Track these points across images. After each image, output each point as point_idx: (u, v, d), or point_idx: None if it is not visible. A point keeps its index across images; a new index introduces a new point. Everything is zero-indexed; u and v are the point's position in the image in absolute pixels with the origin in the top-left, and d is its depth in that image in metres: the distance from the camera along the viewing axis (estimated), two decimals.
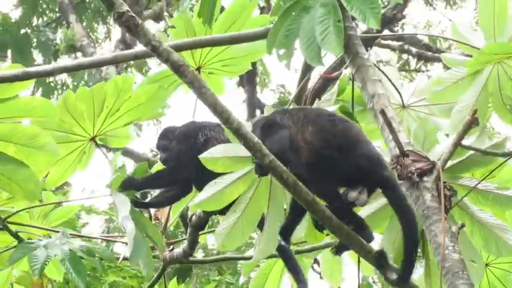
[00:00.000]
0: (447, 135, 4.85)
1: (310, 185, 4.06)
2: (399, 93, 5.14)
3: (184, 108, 5.72)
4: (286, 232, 4.42)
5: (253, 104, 16.76)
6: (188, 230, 5.37)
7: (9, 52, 18.86)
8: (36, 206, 5.42)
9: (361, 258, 4.60)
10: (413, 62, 19.89)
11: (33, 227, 5.44)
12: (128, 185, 4.95)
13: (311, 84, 7.80)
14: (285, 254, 5.16)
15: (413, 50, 17.46)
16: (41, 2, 19.75)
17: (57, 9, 19.90)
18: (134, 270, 10.15)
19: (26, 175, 4.83)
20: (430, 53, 17.32)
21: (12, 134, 4.82)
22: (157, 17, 19.04)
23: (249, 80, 16.61)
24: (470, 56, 4.72)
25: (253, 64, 5.87)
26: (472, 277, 4.32)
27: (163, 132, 5.24)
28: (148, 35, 4.01)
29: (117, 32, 19.85)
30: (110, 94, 5.09)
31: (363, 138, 4.16)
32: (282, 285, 5.76)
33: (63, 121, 5.13)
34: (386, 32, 15.55)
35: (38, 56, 19.42)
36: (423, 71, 19.36)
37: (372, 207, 4.58)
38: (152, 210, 5.65)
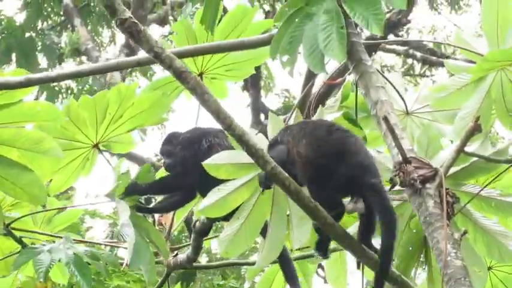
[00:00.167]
0: (452, 141, 4.86)
1: (311, 194, 4.09)
2: (403, 99, 5.15)
3: (188, 113, 5.73)
4: (321, 247, 4.43)
5: (258, 108, 16.75)
6: (192, 236, 5.37)
7: (13, 56, 18.88)
8: (39, 212, 5.44)
9: None
10: (418, 66, 19.90)
11: (36, 232, 5.46)
12: (131, 191, 4.96)
13: (315, 90, 7.80)
14: (283, 261, 5.16)
15: (418, 54, 17.47)
16: (45, 5, 19.78)
17: (61, 13, 19.93)
18: (138, 274, 10.16)
19: (30, 179, 4.84)
20: (434, 58, 17.32)
21: (16, 138, 4.84)
22: (162, 21, 19.06)
23: (254, 84, 16.61)
24: (474, 62, 4.72)
25: (258, 68, 5.88)
26: (475, 284, 4.32)
27: (168, 137, 5.24)
28: (151, 41, 4.02)
29: (121, 36, 19.87)
30: (112, 101, 5.10)
31: (355, 148, 4.17)
32: None
33: (66, 129, 5.15)
34: (391, 36, 15.54)
35: (42, 60, 19.47)
36: (428, 76, 19.37)
37: None
38: (156, 216, 5.66)
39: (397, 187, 4.11)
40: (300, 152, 4.21)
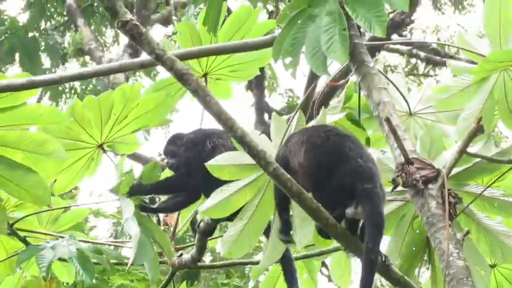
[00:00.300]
0: (456, 142, 4.87)
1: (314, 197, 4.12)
2: (406, 100, 5.15)
3: (192, 113, 5.73)
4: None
5: (262, 108, 16.74)
6: (196, 236, 5.39)
7: (17, 56, 18.88)
8: (44, 211, 5.46)
9: None
10: (421, 66, 19.88)
11: (40, 233, 5.49)
12: (136, 191, 4.98)
13: (318, 91, 7.80)
14: (285, 261, 5.17)
15: (422, 54, 17.44)
16: (48, 5, 19.77)
17: (65, 13, 19.90)
18: (142, 273, 10.17)
19: (34, 181, 4.86)
20: (438, 58, 17.30)
21: (20, 141, 4.85)
22: (166, 21, 19.05)
23: (258, 84, 16.60)
24: (477, 63, 4.73)
25: (262, 68, 5.87)
26: (478, 284, 4.35)
27: (172, 138, 5.26)
28: (152, 43, 4.03)
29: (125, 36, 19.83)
30: (117, 102, 5.12)
31: (350, 154, 4.18)
32: None
33: (71, 129, 5.16)
34: (395, 36, 15.53)
35: (46, 60, 19.41)
36: (431, 76, 19.36)
37: None
38: (161, 216, 5.68)
39: (400, 188, 4.12)
40: (299, 161, 4.25)
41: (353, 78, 4.58)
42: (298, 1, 4.51)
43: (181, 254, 5.62)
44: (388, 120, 4.04)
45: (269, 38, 4.95)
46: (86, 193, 16.20)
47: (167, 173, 5.30)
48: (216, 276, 12.82)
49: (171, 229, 5.61)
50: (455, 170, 4.32)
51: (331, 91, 9.87)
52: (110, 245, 5.81)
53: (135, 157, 15.06)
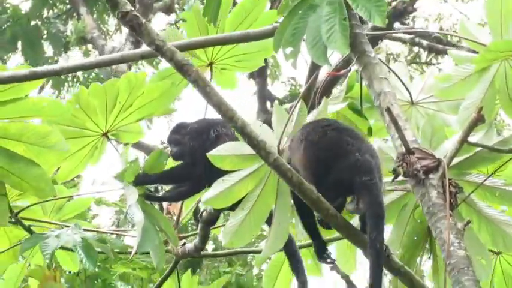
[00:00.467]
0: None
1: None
2: (408, 90, 5.16)
3: (195, 101, 5.74)
4: (320, 252, 4.47)
5: (264, 96, 16.74)
6: (199, 226, 5.41)
7: (19, 44, 18.86)
8: (48, 200, 5.47)
9: None
10: (424, 54, 19.84)
11: (44, 221, 5.50)
12: (141, 180, 4.99)
13: (320, 80, 7.80)
14: (290, 252, 5.20)
15: (424, 42, 17.40)
16: None
17: (67, 1, 19.88)
18: (145, 261, 10.20)
19: (36, 174, 4.87)
20: (440, 46, 17.26)
21: (22, 133, 4.85)
22: (168, 10, 19.03)
23: (260, 72, 16.59)
24: (478, 52, 4.73)
25: None
26: (479, 273, 4.35)
27: (175, 127, 5.27)
28: (152, 34, 4.04)
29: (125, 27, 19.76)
30: (122, 90, 5.12)
31: (348, 149, 4.18)
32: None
33: (76, 116, 5.17)
34: (397, 25, 15.51)
35: (48, 48, 19.40)
36: (434, 64, 19.33)
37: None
38: (165, 204, 5.69)
39: (401, 178, 4.13)
40: (299, 158, 4.26)
41: (355, 67, 4.58)
42: None
43: (185, 243, 5.64)
44: (389, 110, 4.04)
45: (271, 28, 4.95)
46: (88, 182, 16.23)
47: (170, 163, 5.30)
48: (218, 265, 12.85)
49: (175, 218, 5.62)
50: (456, 160, 4.32)
51: (333, 80, 9.88)
52: (112, 233, 5.83)
53: (138, 146, 15.05)
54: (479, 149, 4.51)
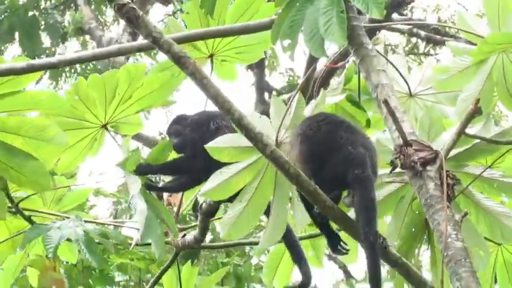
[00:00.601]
0: None
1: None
2: (406, 82, 5.16)
3: (193, 92, 5.72)
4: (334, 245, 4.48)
5: (262, 87, 16.73)
6: (199, 217, 5.42)
7: (16, 35, 18.81)
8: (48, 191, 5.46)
9: None
10: (422, 45, 19.83)
11: (45, 212, 5.49)
12: (143, 170, 4.99)
13: (318, 71, 7.80)
14: (290, 243, 5.21)
15: (422, 33, 17.39)
16: None
17: None
18: (142, 252, 10.21)
19: (34, 167, 4.84)
20: (438, 37, 17.24)
21: (20, 126, 4.83)
22: (166, 0, 19.00)
23: (258, 63, 16.56)
24: (476, 44, 4.74)
25: None
26: (477, 264, 4.37)
27: (176, 119, 5.27)
28: (149, 26, 4.04)
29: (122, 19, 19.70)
30: (122, 81, 5.10)
31: (341, 142, 4.20)
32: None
33: (75, 108, 5.15)
34: (395, 15, 15.48)
35: (46, 39, 19.33)
36: (432, 55, 19.31)
37: (380, 194, 4.62)
38: (165, 195, 5.70)
39: (398, 169, 4.14)
40: (296, 153, 4.28)
41: (352, 59, 4.58)
42: None
43: (185, 235, 5.65)
44: (386, 102, 4.05)
45: (269, 20, 4.95)
46: (85, 173, 16.22)
47: (173, 154, 5.31)
48: (216, 255, 12.85)
49: (175, 209, 5.63)
50: (454, 152, 4.33)
51: (331, 71, 9.87)
52: (110, 224, 5.83)
53: (136, 137, 15.05)
54: (477, 140, 4.51)
